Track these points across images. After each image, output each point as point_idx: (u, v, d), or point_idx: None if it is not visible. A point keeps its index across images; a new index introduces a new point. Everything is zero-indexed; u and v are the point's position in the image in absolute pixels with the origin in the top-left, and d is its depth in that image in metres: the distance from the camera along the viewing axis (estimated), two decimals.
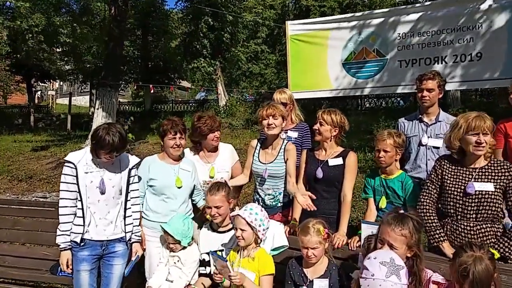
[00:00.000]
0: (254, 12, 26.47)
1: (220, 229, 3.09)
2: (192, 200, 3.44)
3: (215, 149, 3.62)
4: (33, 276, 3.67)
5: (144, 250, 3.22)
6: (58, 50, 20.97)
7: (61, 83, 36.32)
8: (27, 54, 16.14)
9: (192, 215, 3.39)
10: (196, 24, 18.50)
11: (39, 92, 36.28)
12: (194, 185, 3.39)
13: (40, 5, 13.66)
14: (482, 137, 2.51)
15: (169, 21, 22.46)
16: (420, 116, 3.57)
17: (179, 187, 3.24)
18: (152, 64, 22.22)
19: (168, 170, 3.28)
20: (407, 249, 2.19)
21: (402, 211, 2.27)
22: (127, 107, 25.02)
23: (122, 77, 20.05)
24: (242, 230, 2.66)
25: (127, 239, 3.06)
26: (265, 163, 3.40)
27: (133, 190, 3.13)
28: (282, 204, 3.49)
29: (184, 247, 3.06)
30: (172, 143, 3.24)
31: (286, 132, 3.82)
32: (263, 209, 2.80)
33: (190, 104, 23.42)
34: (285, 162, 3.37)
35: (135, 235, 3.13)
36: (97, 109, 11.18)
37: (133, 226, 3.11)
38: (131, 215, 3.10)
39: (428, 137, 3.45)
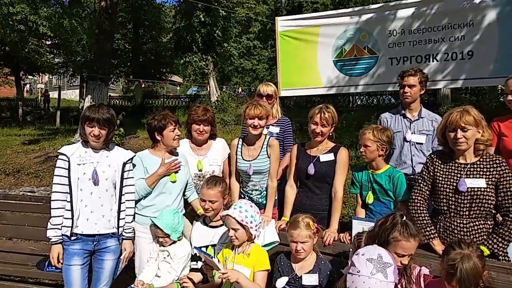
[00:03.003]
0: (247, 7, 26.35)
1: (212, 224, 3.08)
2: (184, 195, 3.41)
3: (202, 143, 3.57)
4: (20, 271, 3.62)
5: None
6: (47, 42, 20.66)
7: (51, 76, 35.83)
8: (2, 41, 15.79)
9: (184, 211, 3.36)
10: (189, 18, 18.37)
11: (28, 85, 35.78)
12: (187, 180, 3.35)
13: None
14: (460, 133, 2.50)
15: (161, 15, 22.27)
16: (403, 112, 3.61)
17: (173, 182, 3.21)
18: (144, 58, 22.03)
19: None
20: None
21: (404, 218, 2.25)
22: (117, 102, 24.83)
23: (113, 71, 19.83)
24: (234, 229, 2.63)
25: (118, 235, 3.03)
26: (249, 160, 3.37)
27: (128, 186, 3.08)
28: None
29: (174, 242, 3.05)
30: (173, 135, 3.23)
31: (268, 128, 3.80)
32: (252, 204, 2.78)
33: (182, 99, 23.31)
34: (269, 157, 3.35)
35: (126, 232, 3.09)
36: (87, 103, 11.05)
37: (125, 222, 3.08)
38: (124, 210, 3.06)
39: (412, 133, 3.49)
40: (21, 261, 3.67)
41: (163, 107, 19.26)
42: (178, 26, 20.21)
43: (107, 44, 11.50)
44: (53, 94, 30.02)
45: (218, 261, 2.66)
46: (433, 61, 5.39)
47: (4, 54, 19.89)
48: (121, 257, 3.05)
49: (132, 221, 3.13)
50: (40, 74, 27.68)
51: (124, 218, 3.06)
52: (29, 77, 29.67)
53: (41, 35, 16.63)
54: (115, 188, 3.01)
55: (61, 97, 19.67)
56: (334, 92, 6.42)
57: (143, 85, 19.27)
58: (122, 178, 3.03)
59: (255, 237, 2.72)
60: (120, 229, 3.03)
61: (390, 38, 5.61)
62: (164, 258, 3.03)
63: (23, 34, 14.94)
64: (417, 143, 3.46)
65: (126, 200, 3.07)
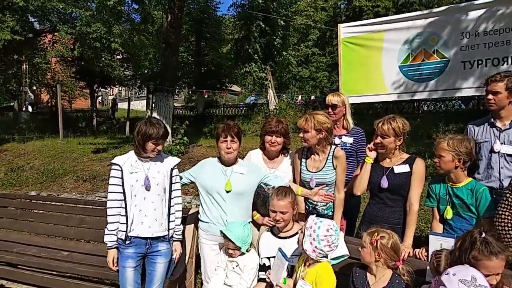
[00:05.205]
0: (305, 15, 26.26)
1: (281, 235, 3.05)
2: (268, 184, 3.35)
3: (274, 155, 3.55)
4: (98, 273, 3.82)
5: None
6: (118, 57, 22.22)
7: (120, 88, 38.38)
8: (82, 56, 17.19)
9: (251, 219, 3.36)
10: (248, 29, 18.70)
11: (100, 97, 38.59)
12: (263, 183, 3.31)
13: (101, 14, 14.45)
14: None
15: (221, 27, 22.89)
16: (492, 120, 3.30)
17: (227, 191, 3.20)
18: (205, 69, 22.74)
19: (218, 173, 3.28)
20: None
21: (483, 234, 2.08)
22: (180, 111, 25.84)
23: (177, 82, 20.70)
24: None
25: (169, 237, 3.20)
26: (313, 172, 3.31)
27: (175, 190, 3.27)
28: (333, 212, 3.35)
29: (243, 253, 3.09)
30: (223, 146, 3.25)
31: (341, 138, 3.72)
32: (318, 234, 2.54)
33: (241, 108, 23.72)
34: (335, 169, 3.26)
35: (176, 234, 3.26)
36: (154, 113, 11.65)
37: (175, 224, 3.25)
38: (174, 213, 3.24)
39: (501, 143, 3.18)
40: (99, 263, 3.87)
41: (223, 117, 19.80)
42: (237, 37, 20.65)
43: (172, 58, 12.05)
44: (123, 105, 32.13)
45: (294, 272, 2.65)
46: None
47: (80, 69, 21.73)
48: (173, 257, 3.23)
49: (180, 224, 3.30)
50: (112, 86, 29.77)
51: (174, 221, 3.23)
52: (102, 89, 31.98)
53: (113, 51, 17.95)
54: (165, 192, 3.18)
55: (130, 107, 20.95)
56: (400, 99, 6.21)
57: (206, 95, 19.89)
58: (170, 183, 3.22)
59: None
60: (171, 231, 3.20)
61: (462, 41, 5.32)
62: (233, 268, 3.08)
63: (98, 50, 16.26)
64: (507, 154, 3.14)
65: (175, 204, 3.25)
